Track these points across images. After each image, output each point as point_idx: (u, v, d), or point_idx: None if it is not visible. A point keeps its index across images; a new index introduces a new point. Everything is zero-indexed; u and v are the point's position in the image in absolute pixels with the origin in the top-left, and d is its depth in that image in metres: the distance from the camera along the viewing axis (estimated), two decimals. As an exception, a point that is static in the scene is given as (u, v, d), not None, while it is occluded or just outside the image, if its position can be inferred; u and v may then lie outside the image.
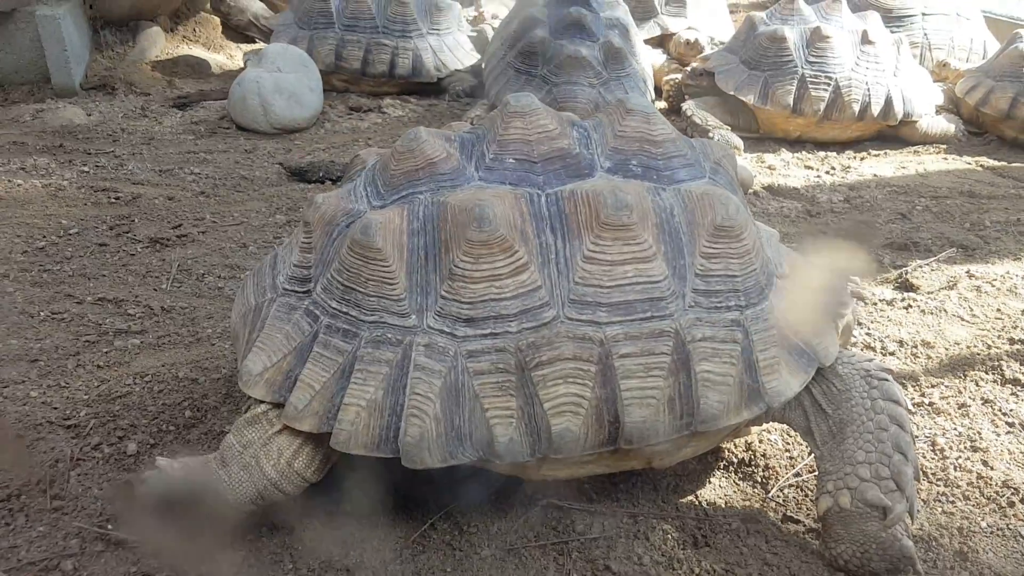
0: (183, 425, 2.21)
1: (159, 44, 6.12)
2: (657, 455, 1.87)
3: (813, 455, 1.97)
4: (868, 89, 4.89)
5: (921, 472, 2.17)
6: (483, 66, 5.12)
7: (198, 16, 6.83)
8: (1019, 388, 2.56)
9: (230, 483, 1.75)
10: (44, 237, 3.30)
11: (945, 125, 5.14)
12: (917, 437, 2.32)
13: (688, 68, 5.30)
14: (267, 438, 1.76)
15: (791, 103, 4.81)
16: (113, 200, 3.73)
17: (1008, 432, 2.36)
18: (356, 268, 1.74)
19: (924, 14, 6.18)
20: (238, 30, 6.01)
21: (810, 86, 4.81)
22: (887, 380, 1.89)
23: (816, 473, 1.95)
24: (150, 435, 2.17)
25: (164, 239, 3.35)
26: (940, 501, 2.09)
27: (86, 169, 4.09)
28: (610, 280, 1.74)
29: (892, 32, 5.59)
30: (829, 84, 4.83)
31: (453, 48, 5.62)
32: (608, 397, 1.72)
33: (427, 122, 5.21)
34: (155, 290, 2.95)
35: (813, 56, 4.86)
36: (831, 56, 4.86)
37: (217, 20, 6.65)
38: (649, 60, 5.23)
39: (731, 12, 7.39)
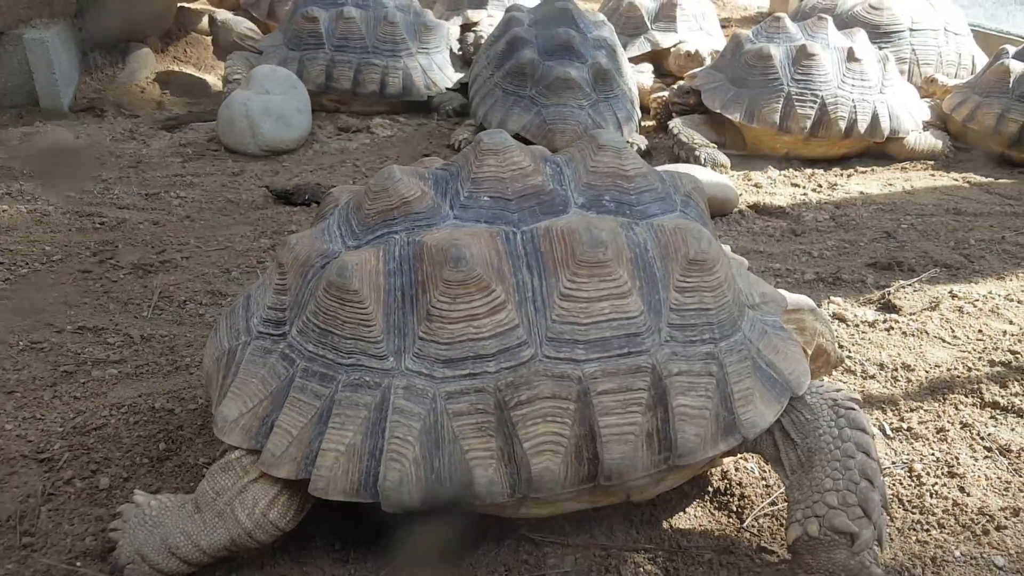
0: (157, 458, 2.21)
1: (149, 65, 6.13)
2: (636, 490, 1.88)
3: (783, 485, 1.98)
4: (854, 106, 4.92)
5: (897, 499, 2.19)
6: (469, 85, 5.13)
7: (189, 37, 6.85)
8: (999, 412, 2.57)
9: (204, 529, 1.75)
10: (27, 264, 3.30)
11: (932, 141, 5.17)
12: (895, 463, 2.33)
13: (675, 86, 5.32)
14: (242, 486, 1.75)
15: (777, 121, 4.83)
16: (98, 225, 3.74)
17: (986, 457, 2.37)
18: (333, 310, 1.74)
19: (911, 29, 6.21)
20: (225, 49, 6.03)
21: (796, 104, 4.84)
22: (854, 409, 1.91)
23: (790, 502, 1.95)
24: (123, 468, 2.16)
25: (147, 265, 3.35)
26: (915, 529, 2.09)
27: (72, 194, 4.08)
28: (587, 317, 1.75)
29: (880, 48, 5.62)
30: (815, 102, 4.86)
31: (442, 66, 5.65)
32: (587, 434, 1.73)
33: (416, 142, 5.22)
34: (136, 318, 2.95)
35: (799, 74, 4.88)
36: (817, 74, 4.88)
37: (208, 40, 6.65)
38: (635, 80, 5.25)
39: (723, 27, 7.43)
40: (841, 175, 4.87)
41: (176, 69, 6.38)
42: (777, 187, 4.63)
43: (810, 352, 2.37)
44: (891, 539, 2.06)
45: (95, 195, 4.11)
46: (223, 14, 6.15)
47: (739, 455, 2.22)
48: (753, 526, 2.10)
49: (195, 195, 4.17)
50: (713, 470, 2.24)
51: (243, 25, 5.94)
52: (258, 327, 1.87)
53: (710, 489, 2.21)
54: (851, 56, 4.96)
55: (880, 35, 6.08)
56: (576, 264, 1.75)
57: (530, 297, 1.75)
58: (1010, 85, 5.09)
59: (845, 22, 6.08)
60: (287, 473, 1.70)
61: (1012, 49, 5.30)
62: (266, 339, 1.84)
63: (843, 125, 4.89)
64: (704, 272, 1.85)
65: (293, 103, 4.97)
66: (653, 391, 1.76)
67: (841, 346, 2.91)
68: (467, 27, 6.69)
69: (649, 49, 6.46)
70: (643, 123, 5.48)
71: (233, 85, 5.42)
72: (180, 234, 3.70)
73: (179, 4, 6.95)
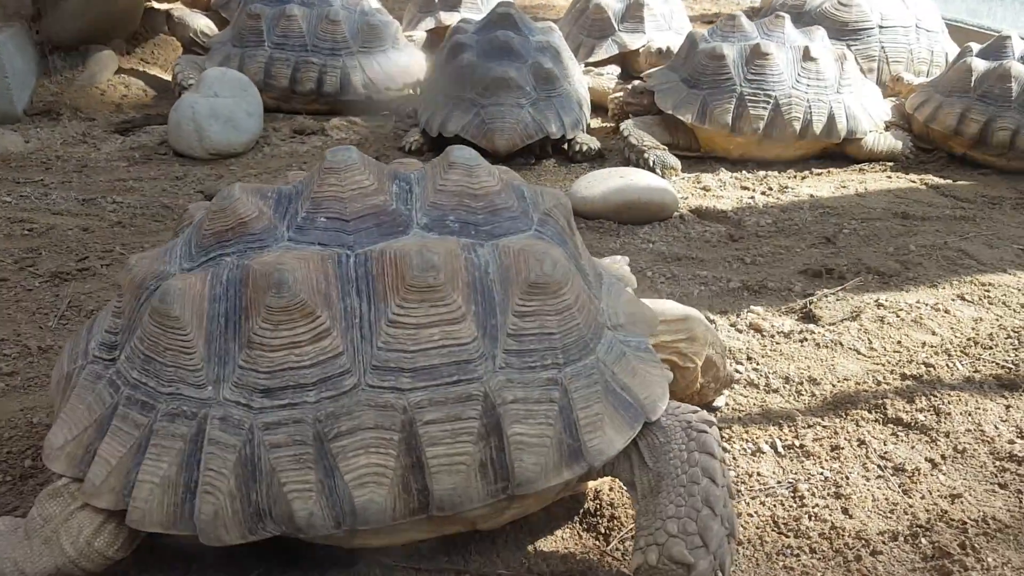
0: (20, 476, 2.19)
1: (110, 68, 6.10)
2: (479, 519, 1.84)
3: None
4: (809, 107, 4.82)
5: (773, 521, 2.13)
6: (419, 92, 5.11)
7: (156, 38, 6.83)
8: (900, 428, 2.50)
9: (30, 556, 1.72)
10: (-53, 274, 3.29)
11: (892, 142, 5.06)
12: (780, 483, 2.27)
13: (629, 85, 5.25)
14: (68, 513, 1.73)
15: (729, 122, 4.75)
16: (26, 232, 3.73)
17: (878, 476, 2.30)
18: (155, 337, 1.71)
19: (881, 27, 6.10)
20: (182, 45, 6.02)
21: (748, 105, 4.75)
22: (705, 432, 1.85)
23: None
24: (-17, 486, 2.15)
25: (65, 273, 3.33)
26: (784, 554, 2.03)
27: (9, 199, 4.08)
28: (415, 344, 1.71)
29: (849, 46, 5.53)
30: (768, 102, 4.77)
31: (384, 65, 5.61)
32: (414, 465, 1.69)
33: (370, 144, 5.17)
34: (40, 328, 2.94)
35: (752, 74, 4.80)
36: (770, 73, 4.79)
37: (176, 42, 6.65)
38: (585, 82, 5.19)
39: (710, 22, 7.32)
40: (795, 177, 4.78)
41: (141, 71, 6.36)
42: (726, 190, 4.55)
43: (700, 363, 2.33)
44: (757, 564, 2.01)
45: (32, 200, 4.11)
46: (180, 10, 6.13)
47: (601, 479, 2.17)
48: (618, 549, 2.05)
49: (132, 200, 4.15)
50: (586, 490, 2.20)
51: (199, 21, 5.92)
52: (94, 351, 1.84)
53: (580, 510, 2.16)
54: (807, 55, 4.86)
55: (849, 32, 5.98)
56: (406, 289, 1.71)
57: (357, 323, 1.71)
58: (972, 84, 4.97)
59: (814, 19, 5.99)
60: (107, 503, 1.67)
61: (976, 47, 5.18)
62: (99, 364, 1.81)
63: (797, 126, 4.81)
64: (547, 295, 1.80)
65: (242, 106, 4.95)
66: (485, 420, 1.71)
67: (749, 358, 2.85)
68: (436, 31, 6.65)
69: (617, 51, 6.39)
70: (603, 124, 5.42)
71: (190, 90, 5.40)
72: (107, 241, 3.68)
73: (147, 5, 6.94)
